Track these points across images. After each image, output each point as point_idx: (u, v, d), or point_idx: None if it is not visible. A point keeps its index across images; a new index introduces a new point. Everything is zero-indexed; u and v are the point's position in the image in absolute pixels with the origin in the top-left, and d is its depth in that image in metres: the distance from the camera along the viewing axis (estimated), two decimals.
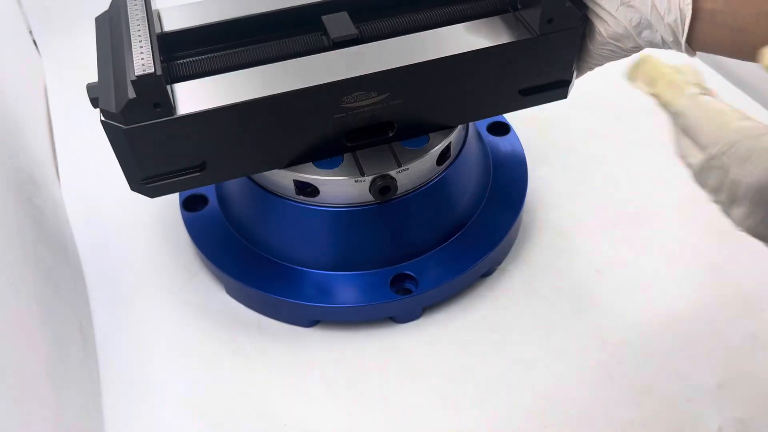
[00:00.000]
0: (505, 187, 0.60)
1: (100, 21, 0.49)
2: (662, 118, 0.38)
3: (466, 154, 0.56)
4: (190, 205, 0.60)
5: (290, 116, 0.46)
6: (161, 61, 0.43)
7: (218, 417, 0.50)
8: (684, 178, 0.62)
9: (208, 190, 0.61)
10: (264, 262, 0.55)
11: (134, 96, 0.41)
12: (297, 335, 0.55)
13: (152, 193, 0.47)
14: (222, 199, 0.59)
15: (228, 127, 0.45)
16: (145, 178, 0.46)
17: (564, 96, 0.53)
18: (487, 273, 0.57)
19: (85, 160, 0.70)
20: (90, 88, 0.45)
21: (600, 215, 0.63)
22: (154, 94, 0.41)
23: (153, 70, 0.40)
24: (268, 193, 0.53)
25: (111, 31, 0.47)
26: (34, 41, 0.85)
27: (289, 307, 0.53)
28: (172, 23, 0.52)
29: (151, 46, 0.42)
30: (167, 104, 0.42)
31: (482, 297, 0.57)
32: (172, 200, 0.63)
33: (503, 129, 0.65)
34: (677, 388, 0.51)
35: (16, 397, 0.36)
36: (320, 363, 0.53)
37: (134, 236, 0.63)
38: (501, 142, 0.64)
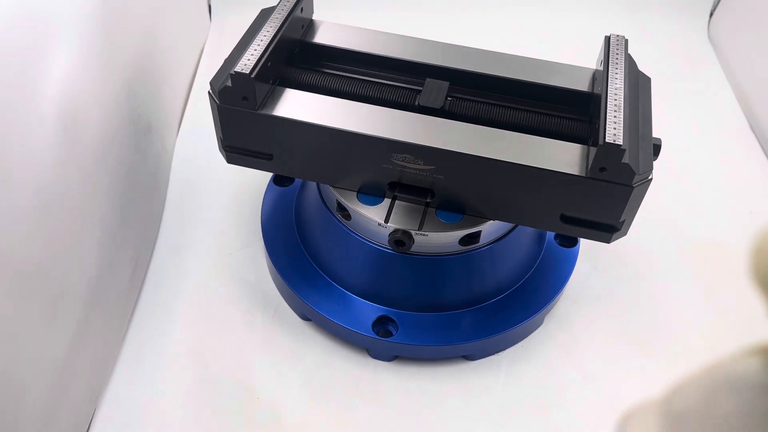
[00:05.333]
0: (537, 288, 0.62)
1: (263, 13, 0.60)
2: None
3: (500, 248, 0.58)
4: (279, 178, 0.70)
5: (346, 149, 0.53)
6: (270, 65, 0.53)
7: (209, 371, 0.59)
8: (709, 331, 0.65)
9: None
10: (295, 249, 0.63)
11: (229, 85, 0.51)
12: (300, 327, 0.63)
13: (228, 159, 0.58)
14: (302, 186, 0.69)
15: (294, 137, 0.53)
16: (226, 146, 0.56)
17: (606, 240, 0.53)
18: (470, 357, 0.60)
19: (207, 119, 0.80)
20: (225, 61, 0.56)
21: (614, 329, 0.64)
22: (244, 89, 0.51)
23: (248, 72, 0.50)
24: (321, 199, 0.60)
25: (259, 25, 0.58)
26: (209, 6, 0.98)
27: (289, 294, 0.61)
28: (321, 36, 0.61)
29: (263, 51, 0.52)
30: (252, 100, 0.51)
31: (458, 374, 0.60)
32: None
33: (570, 240, 0.66)
34: None
35: (50, 304, 0.46)
36: (308, 359, 0.60)
37: (219, 195, 0.73)
38: (562, 250, 0.65)
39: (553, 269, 0.64)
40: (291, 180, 0.70)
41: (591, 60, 0.60)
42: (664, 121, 0.83)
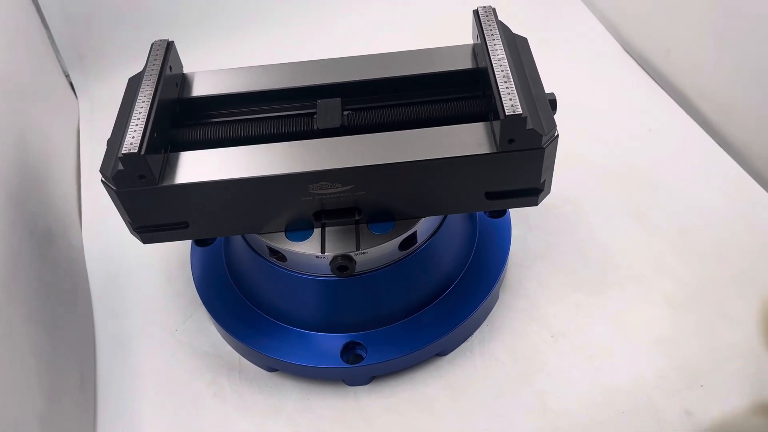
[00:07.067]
0: (484, 265, 0.63)
1: (131, 82, 0.57)
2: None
3: (439, 240, 0.59)
4: (200, 239, 0.68)
5: (261, 195, 0.51)
6: (157, 135, 0.50)
7: None
8: (648, 252, 0.67)
9: None
10: (240, 305, 0.61)
11: (121, 168, 0.48)
12: (270, 379, 0.61)
13: (144, 240, 0.55)
14: (226, 240, 0.67)
15: (205, 199, 0.51)
16: (137, 228, 0.54)
17: (534, 203, 0.55)
18: (442, 353, 0.60)
19: (108, 202, 0.75)
20: (108, 143, 0.53)
21: (565, 280, 0.66)
22: (138, 168, 0.48)
23: (137, 150, 0.47)
24: (251, 248, 0.59)
25: (133, 96, 0.55)
26: (71, 84, 0.93)
27: (249, 351, 0.60)
28: (198, 88, 0.59)
29: (145, 124, 0.50)
30: (150, 176, 0.49)
31: (437, 372, 0.60)
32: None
33: (499, 210, 0.67)
34: None
35: None
36: (288, 409, 0.59)
37: (143, 275, 0.70)
38: (494, 221, 0.67)
39: (493, 242, 0.65)
40: (213, 238, 0.68)
41: (465, 34, 0.61)
42: (547, 71, 0.86)
